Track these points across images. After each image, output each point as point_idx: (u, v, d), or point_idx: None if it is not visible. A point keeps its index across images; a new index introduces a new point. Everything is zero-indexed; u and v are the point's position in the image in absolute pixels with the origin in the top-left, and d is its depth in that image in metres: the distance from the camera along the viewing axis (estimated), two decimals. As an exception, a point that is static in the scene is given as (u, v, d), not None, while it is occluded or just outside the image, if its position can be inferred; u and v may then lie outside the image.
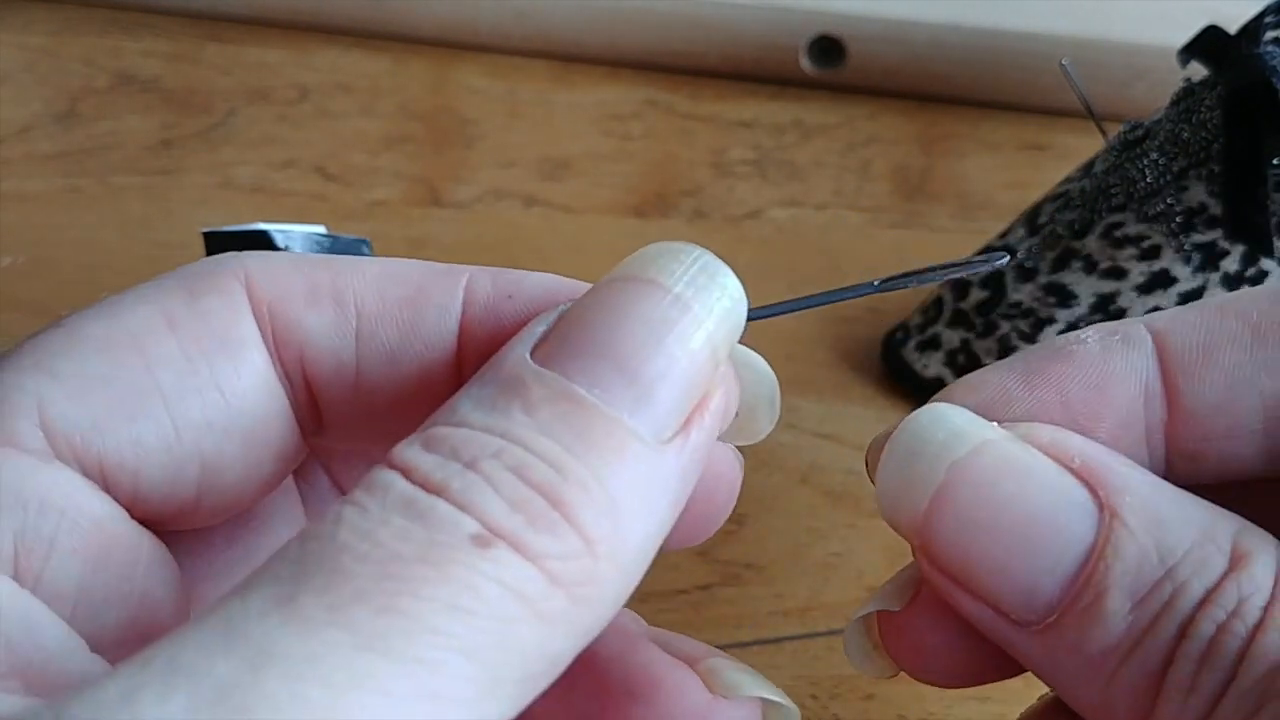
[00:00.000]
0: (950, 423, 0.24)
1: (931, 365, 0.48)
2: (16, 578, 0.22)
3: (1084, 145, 0.52)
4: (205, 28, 0.59)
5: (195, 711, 0.16)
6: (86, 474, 0.23)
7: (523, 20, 0.58)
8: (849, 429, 0.48)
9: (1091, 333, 0.25)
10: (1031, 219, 0.49)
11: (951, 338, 0.48)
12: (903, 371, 0.48)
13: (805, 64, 0.58)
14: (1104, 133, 0.48)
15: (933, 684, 0.27)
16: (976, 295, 0.47)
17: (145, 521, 0.24)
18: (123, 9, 0.60)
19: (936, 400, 0.26)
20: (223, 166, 0.55)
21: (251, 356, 0.24)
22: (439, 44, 0.59)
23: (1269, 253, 0.43)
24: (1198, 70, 0.45)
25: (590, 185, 0.56)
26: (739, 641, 0.43)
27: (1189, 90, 0.45)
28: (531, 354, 0.21)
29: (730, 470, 0.25)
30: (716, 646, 0.27)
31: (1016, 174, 0.57)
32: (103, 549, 0.23)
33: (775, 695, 0.26)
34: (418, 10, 0.58)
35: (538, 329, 0.22)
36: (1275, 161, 0.41)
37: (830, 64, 0.58)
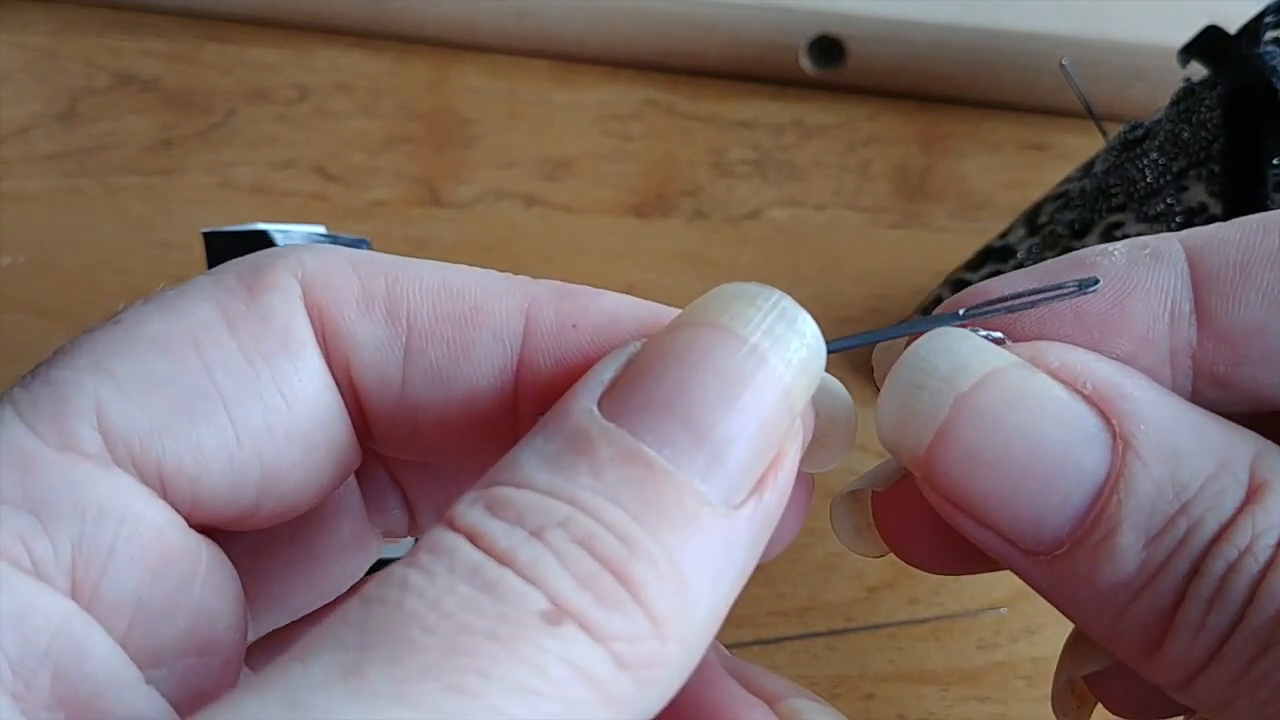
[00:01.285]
0: (954, 353, 0.23)
1: (931, 365, 0.48)
2: (73, 591, 0.21)
3: (1084, 145, 0.52)
4: (205, 28, 0.59)
5: None
6: (145, 480, 0.22)
7: (523, 20, 0.58)
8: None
9: (1121, 246, 0.24)
10: (1031, 219, 0.49)
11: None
12: (903, 371, 0.48)
13: (805, 64, 0.58)
14: (1104, 133, 0.48)
15: (922, 568, 0.26)
16: (976, 295, 0.47)
17: (201, 528, 0.23)
18: (123, 9, 0.60)
19: (950, 304, 0.25)
20: (223, 166, 0.55)
21: (310, 358, 0.23)
22: (439, 44, 0.59)
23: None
24: (1198, 70, 0.45)
25: (590, 185, 0.56)
26: (739, 641, 0.43)
27: (1189, 90, 0.45)
28: (599, 403, 0.20)
29: (803, 497, 0.24)
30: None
31: (1016, 174, 0.57)
32: (162, 560, 0.22)
33: None
34: (418, 10, 0.58)
35: (605, 375, 0.21)
36: (1275, 161, 0.41)
37: (830, 64, 0.58)
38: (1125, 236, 0.46)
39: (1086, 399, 0.22)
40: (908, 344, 0.24)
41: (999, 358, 0.23)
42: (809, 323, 0.21)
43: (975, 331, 0.23)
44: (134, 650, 0.21)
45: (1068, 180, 0.49)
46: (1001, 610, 0.42)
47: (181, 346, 0.22)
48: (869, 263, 0.54)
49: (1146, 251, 0.24)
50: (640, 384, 0.20)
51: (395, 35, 0.59)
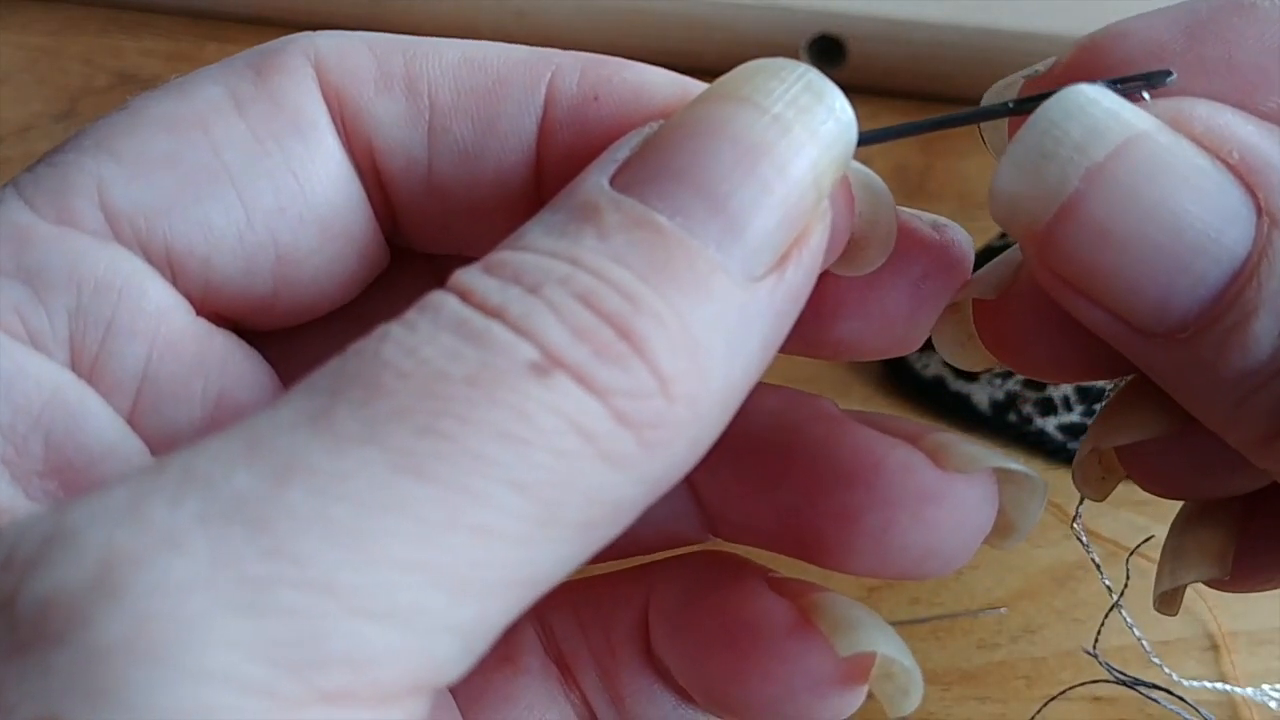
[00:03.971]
0: (1089, 117, 0.20)
1: (931, 365, 0.48)
2: (72, 363, 0.20)
3: (1084, 145, 0.52)
4: (205, 28, 0.59)
5: (207, 521, 0.15)
6: (152, 262, 0.21)
7: (523, 20, 0.58)
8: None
9: None
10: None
11: (951, 338, 0.48)
12: (902, 372, 0.48)
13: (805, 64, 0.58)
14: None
15: (1031, 375, 0.24)
16: (976, 295, 0.47)
17: (220, 319, 0.22)
18: (123, 9, 0.60)
19: (1081, 51, 0.22)
20: (223, 166, 0.55)
21: (324, 140, 0.22)
22: (439, 44, 0.59)
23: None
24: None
25: (590, 185, 0.56)
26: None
27: (1189, 90, 0.45)
28: (611, 181, 0.19)
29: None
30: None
31: (1016, 174, 0.57)
32: (169, 339, 0.21)
33: (1016, 466, 0.23)
34: (418, 10, 0.58)
35: (620, 153, 0.20)
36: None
37: (830, 64, 0.58)
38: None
39: (1232, 169, 0.19)
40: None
41: (1139, 120, 0.20)
42: (839, 96, 0.20)
43: (1112, 86, 0.21)
44: (143, 429, 0.21)
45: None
46: (1001, 610, 0.42)
47: (188, 127, 0.21)
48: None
49: None
50: (654, 157, 0.19)
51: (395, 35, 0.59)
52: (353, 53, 0.23)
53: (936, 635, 0.41)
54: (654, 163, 0.19)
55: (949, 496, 0.23)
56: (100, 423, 0.20)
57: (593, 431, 0.17)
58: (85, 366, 0.20)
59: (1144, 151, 0.20)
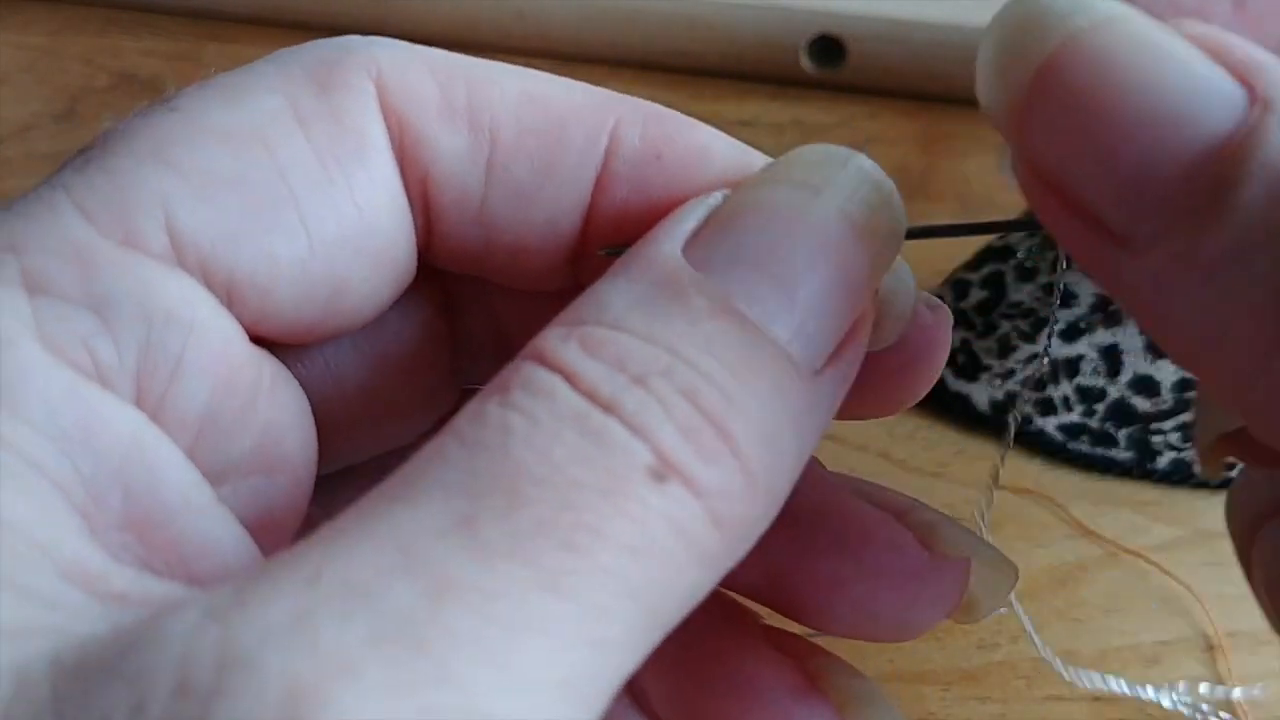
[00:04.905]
0: None
1: (931, 365, 0.48)
2: (138, 401, 0.19)
3: (1084, 145, 0.52)
4: (205, 28, 0.59)
5: (377, 644, 0.15)
6: (212, 289, 0.20)
7: (523, 20, 0.58)
8: (849, 429, 0.48)
9: None
10: (1032, 218, 0.49)
11: (952, 338, 0.48)
12: (903, 371, 0.48)
13: (805, 64, 0.58)
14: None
15: None
16: (976, 295, 0.47)
17: (260, 343, 0.22)
18: (123, 9, 0.60)
19: None
20: (223, 166, 0.55)
21: (385, 167, 0.21)
22: (439, 44, 0.59)
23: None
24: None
25: (590, 185, 0.56)
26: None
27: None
28: (683, 252, 0.19)
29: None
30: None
31: (1016, 174, 0.57)
32: (229, 374, 0.20)
33: (996, 553, 0.24)
34: (418, 10, 0.58)
35: (688, 223, 0.20)
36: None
37: (830, 64, 0.58)
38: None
39: (1229, 67, 0.18)
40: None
41: (1131, 10, 0.19)
42: (896, 194, 0.20)
43: None
44: (200, 466, 0.20)
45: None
46: (1002, 610, 0.42)
47: (250, 142, 0.20)
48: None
49: None
50: (728, 237, 0.19)
51: (395, 35, 0.59)
52: (416, 74, 0.22)
53: (936, 635, 0.41)
54: (729, 243, 0.19)
55: (931, 577, 0.24)
56: (176, 473, 0.19)
57: (693, 535, 0.17)
58: (151, 404, 0.20)
59: (1131, 25, 0.18)
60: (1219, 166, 0.17)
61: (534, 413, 0.17)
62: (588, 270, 0.23)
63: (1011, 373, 0.45)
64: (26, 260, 0.19)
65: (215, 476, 0.20)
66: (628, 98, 0.23)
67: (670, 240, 0.20)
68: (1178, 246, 0.18)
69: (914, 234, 0.21)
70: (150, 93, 0.58)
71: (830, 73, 0.58)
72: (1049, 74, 0.18)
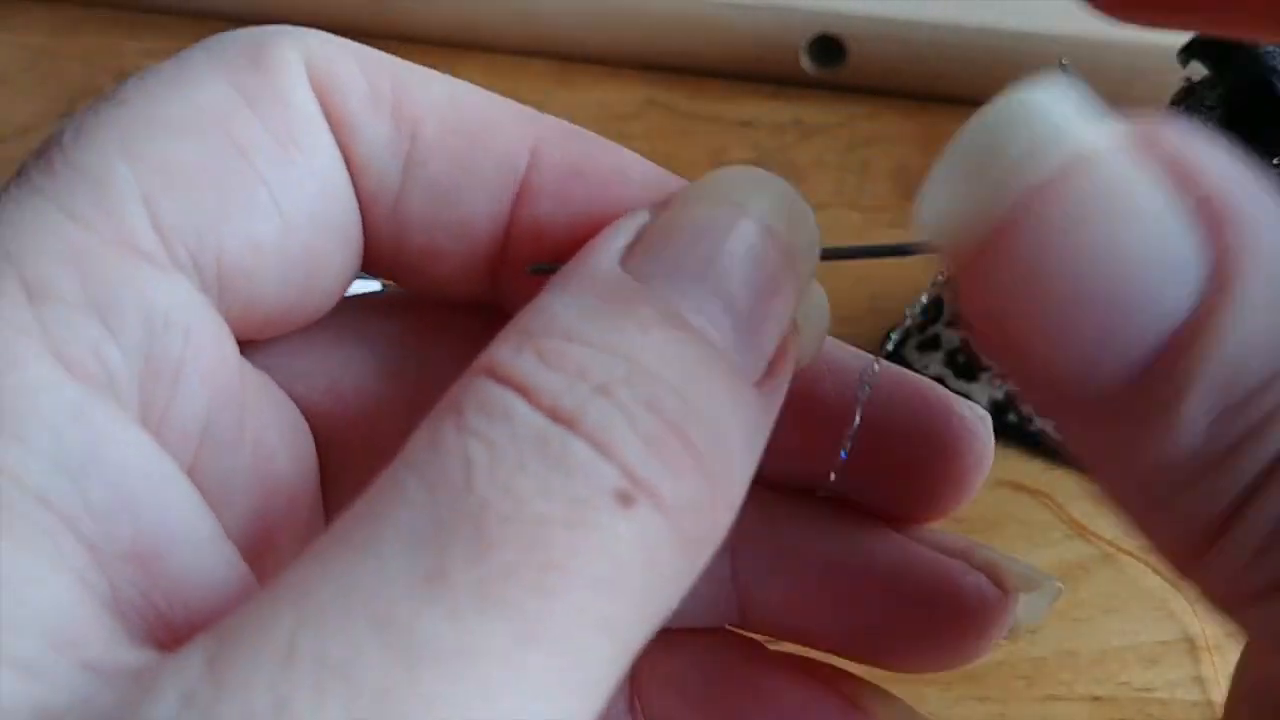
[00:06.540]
0: (1035, 127, 0.18)
1: (931, 365, 0.48)
2: (143, 411, 0.19)
3: (1084, 145, 0.52)
4: (205, 28, 0.59)
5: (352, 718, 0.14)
6: (203, 282, 0.20)
7: (523, 20, 0.58)
8: (849, 429, 0.48)
9: None
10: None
11: (951, 338, 0.48)
12: (903, 371, 0.48)
13: (805, 64, 0.58)
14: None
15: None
16: (976, 295, 0.47)
17: (240, 339, 0.21)
18: (123, 9, 0.60)
19: None
20: (223, 166, 0.55)
21: (330, 144, 0.21)
22: (439, 44, 0.59)
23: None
24: (1198, 70, 0.45)
25: (590, 185, 0.56)
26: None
27: (1189, 90, 0.45)
28: (621, 267, 0.19)
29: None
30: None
31: (1016, 174, 0.57)
32: (225, 383, 0.20)
33: (1049, 586, 0.25)
34: (418, 10, 0.58)
35: (621, 239, 0.20)
36: (1276, 161, 0.41)
37: (830, 64, 0.58)
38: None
39: (1196, 209, 0.17)
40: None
41: (1092, 137, 0.17)
42: (811, 214, 0.21)
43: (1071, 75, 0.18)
44: (200, 482, 0.20)
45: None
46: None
47: (209, 129, 0.20)
48: (869, 262, 0.54)
49: None
50: (664, 251, 0.19)
51: (395, 35, 0.59)
52: (343, 62, 0.22)
53: (936, 635, 0.41)
54: (666, 257, 0.19)
55: (1001, 611, 0.25)
56: (180, 501, 0.19)
57: (661, 557, 0.17)
58: (155, 418, 0.19)
59: (1091, 178, 0.17)
60: (1170, 366, 0.16)
61: (493, 439, 0.17)
62: (510, 286, 0.23)
63: (1011, 373, 0.45)
64: (23, 268, 0.18)
65: (217, 496, 0.20)
66: (553, 118, 0.23)
67: (607, 255, 0.20)
68: (1119, 438, 0.17)
69: (828, 255, 0.22)
70: (150, 93, 0.58)
71: (830, 73, 0.58)
72: (1001, 240, 0.17)
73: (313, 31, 0.22)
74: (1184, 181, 0.17)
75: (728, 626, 0.27)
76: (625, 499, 0.17)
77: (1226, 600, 0.17)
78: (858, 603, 0.25)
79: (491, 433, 0.17)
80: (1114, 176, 0.17)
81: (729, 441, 0.18)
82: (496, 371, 0.18)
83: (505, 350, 0.18)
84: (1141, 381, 0.17)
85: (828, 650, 0.26)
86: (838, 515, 0.26)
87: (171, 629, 0.18)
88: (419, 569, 0.16)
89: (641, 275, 0.19)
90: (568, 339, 0.18)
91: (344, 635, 0.15)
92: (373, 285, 0.43)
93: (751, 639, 0.27)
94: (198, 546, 0.19)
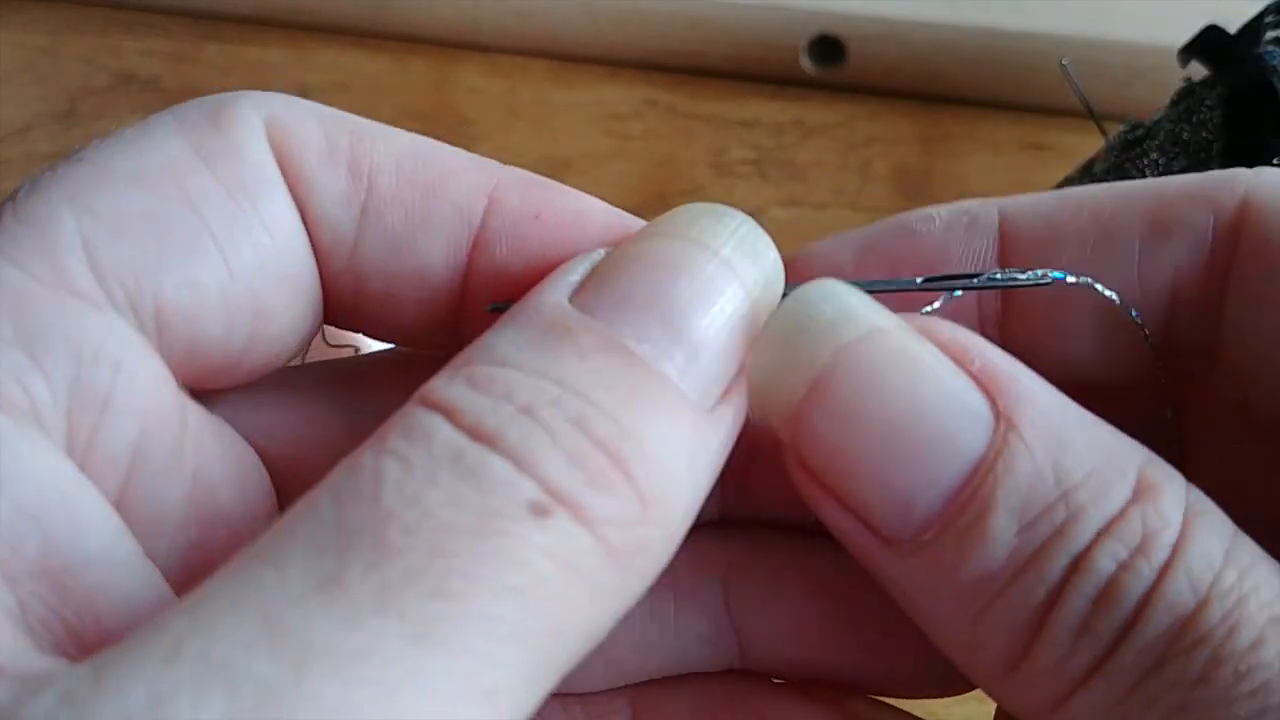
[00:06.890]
0: (842, 302, 0.21)
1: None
2: (69, 438, 0.19)
3: (1084, 145, 0.52)
4: (205, 28, 0.59)
5: (234, 718, 0.15)
6: (140, 322, 0.20)
7: (523, 20, 0.58)
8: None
9: (943, 211, 0.24)
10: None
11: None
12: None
13: (805, 64, 0.58)
14: (1104, 132, 0.48)
15: None
16: (976, 295, 0.47)
17: (188, 384, 0.22)
18: (123, 9, 0.60)
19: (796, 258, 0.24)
20: (223, 166, 0.55)
21: (284, 198, 0.22)
22: (439, 44, 0.59)
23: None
24: (1198, 70, 0.45)
25: (590, 185, 0.55)
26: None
27: (1189, 90, 0.45)
28: (570, 302, 0.20)
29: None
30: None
31: (1016, 174, 0.57)
32: (159, 415, 0.20)
33: None
34: (418, 10, 0.58)
35: (572, 276, 0.20)
36: (1275, 161, 0.41)
37: (830, 64, 0.58)
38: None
39: (973, 376, 0.20)
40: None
41: (888, 318, 0.21)
42: (772, 248, 0.21)
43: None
44: (129, 515, 0.20)
45: (1067, 181, 0.49)
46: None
47: (160, 181, 0.21)
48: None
49: (965, 219, 0.23)
50: (613, 284, 0.20)
51: (395, 35, 0.59)
52: (302, 120, 0.22)
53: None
54: (614, 290, 0.20)
55: None
56: (96, 523, 0.19)
57: (584, 568, 0.17)
58: (80, 445, 0.20)
59: (891, 342, 0.20)
60: (973, 492, 0.19)
61: (409, 457, 0.17)
62: (472, 331, 0.23)
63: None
64: None
65: (148, 527, 0.20)
66: (512, 168, 0.23)
67: (555, 291, 0.20)
68: (939, 561, 0.20)
69: (874, 288, 0.22)
70: (150, 93, 0.58)
71: (830, 73, 0.58)
72: (819, 395, 0.20)
73: (278, 95, 0.23)
74: (961, 355, 0.20)
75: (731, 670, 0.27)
76: (540, 510, 0.17)
77: (1044, 705, 0.20)
78: (855, 627, 0.25)
79: (410, 452, 0.17)
80: (907, 344, 0.20)
81: (669, 463, 0.19)
82: (427, 399, 0.18)
83: (440, 379, 0.18)
84: (953, 507, 0.19)
85: (830, 684, 0.26)
86: (828, 543, 0.26)
87: (82, 643, 0.18)
88: (315, 575, 0.16)
89: (589, 308, 0.20)
90: (501, 365, 0.18)
91: (233, 637, 0.15)
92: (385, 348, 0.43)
93: (755, 675, 0.27)
94: (113, 567, 0.19)
